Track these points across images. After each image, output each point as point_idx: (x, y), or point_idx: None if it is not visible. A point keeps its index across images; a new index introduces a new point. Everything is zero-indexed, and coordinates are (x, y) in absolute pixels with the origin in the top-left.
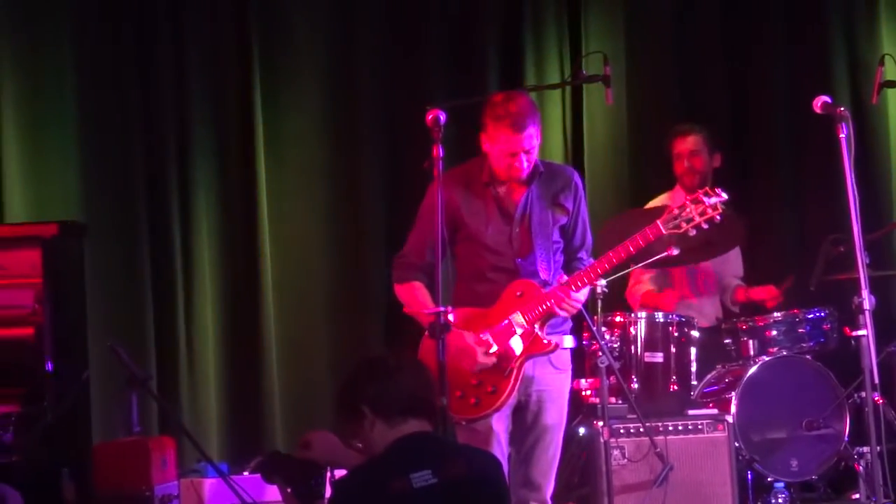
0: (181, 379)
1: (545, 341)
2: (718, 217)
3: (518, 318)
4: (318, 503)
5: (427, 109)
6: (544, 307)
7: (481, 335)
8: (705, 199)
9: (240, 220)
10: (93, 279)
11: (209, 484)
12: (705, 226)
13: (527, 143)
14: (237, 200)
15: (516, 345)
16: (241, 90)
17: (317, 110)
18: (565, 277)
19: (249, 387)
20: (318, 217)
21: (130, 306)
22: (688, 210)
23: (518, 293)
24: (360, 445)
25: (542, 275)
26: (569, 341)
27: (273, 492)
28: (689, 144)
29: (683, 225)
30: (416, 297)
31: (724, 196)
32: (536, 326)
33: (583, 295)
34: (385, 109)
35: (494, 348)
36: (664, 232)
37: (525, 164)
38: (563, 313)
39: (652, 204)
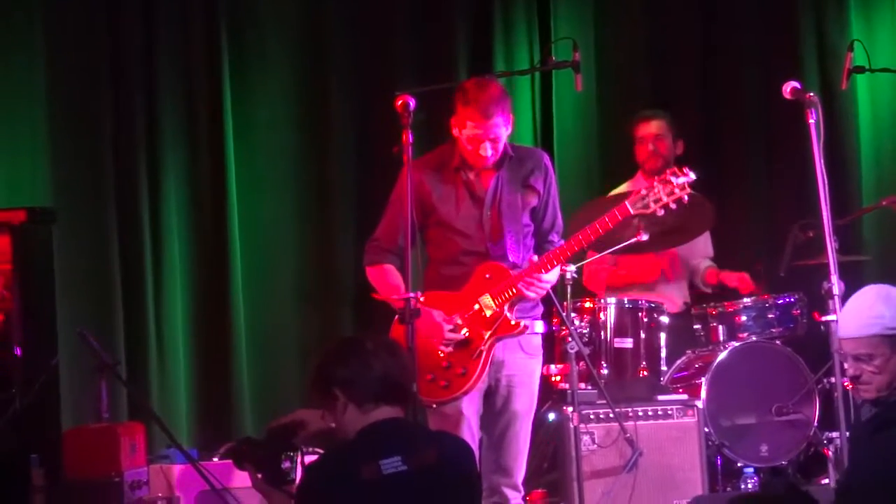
0: (150, 364)
1: (513, 322)
2: (686, 197)
3: (487, 300)
4: (288, 488)
5: (396, 95)
6: (514, 290)
7: (451, 317)
8: (673, 178)
9: (209, 207)
10: (62, 265)
11: (179, 470)
12: (673, 206)
13: (492, 131)
14: (206, 187)
15: (485, 326)
16: (210, 77)
17: (286, 97)
18: (535, 259)
19: (219, 372)
20: (288, 204)
21: (99, 292)
22: (656, 190)
23: (486, 275)
24: (333, 425)
25: (512, 258)
26: (539, 327)
27: (242, 478)
28: (653, 128)
29: (651, 205)
30: (387, 280)
31: (692, 176)
32: (505, 308)
33: (552, 277)
34: (355, 96)
35: (464, 330)
36: (632, 212)
37: (489, 153)
38: (532, 295)
39: (614, 193)
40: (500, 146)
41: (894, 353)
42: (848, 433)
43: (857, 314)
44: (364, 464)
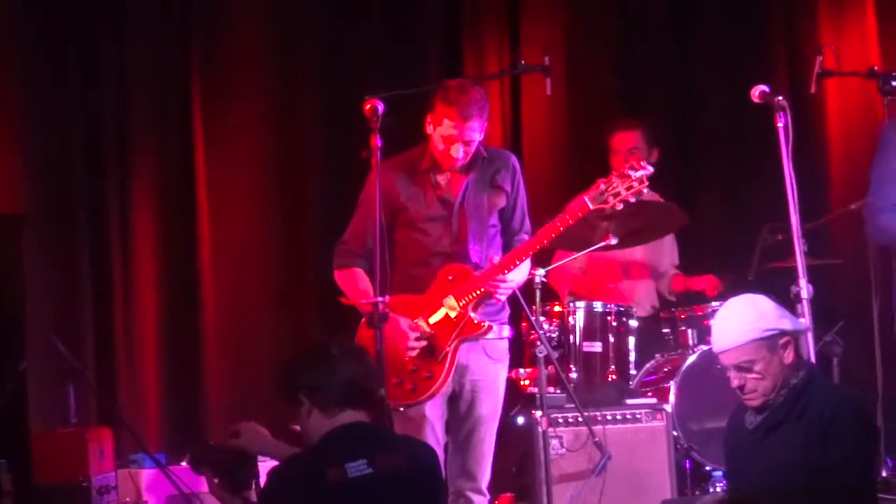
0: (119, 369)
1: (477, 322)
2: (645, 190)
3: (450, 301)
4: (246, 494)
5: (365, 99)
6: (477, 291)
7: (415, 320)
8: (631, 172)
9: (179, 211)
10: (31, 270)
11: (147, 474)
12: (632, 199)
13: (467, 133)
14: (176, 191)
15: (449, 328)
16: (182, 81)
17: (257, 101)
18: (497, 259)
19: (188, 377)
20: (258, 207)
21: (69, 297)
22: (614, 184)
23: (449, 277)
24: (298, 428)
25: (474, 258)
26: (505, 331)
27: None
28: (628, 141)
29: (610, 199)
30: (355, 284)
31: (650, 169)
32: (469, 309)
33: (517, 276)
34: (324, 100)
35: (428, 332)
36: (591, 207)
37: (460, 154)
38: (500, 297)
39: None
40: (471, 150)
41: (773, 356)
42: (726, 442)
43: (731, 325)
44: (329, 467)
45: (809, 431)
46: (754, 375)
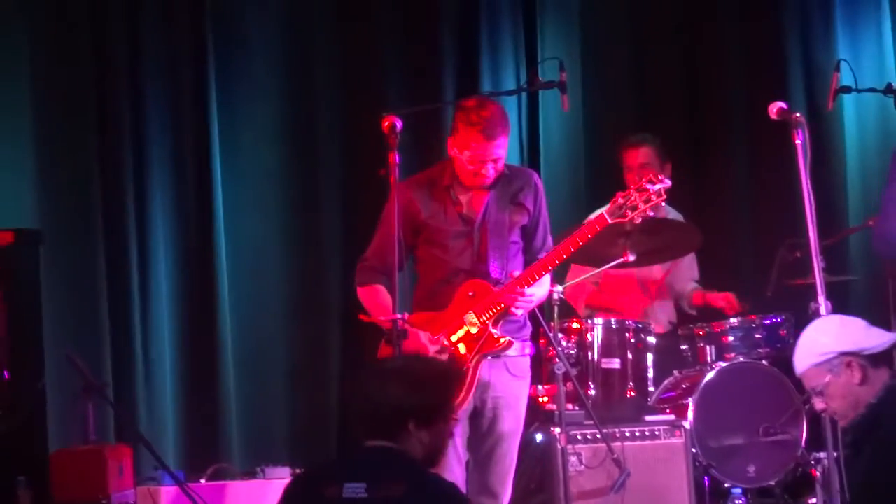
0: (137, 386)
1: (496, 337)
2: (663, 203)
3: (471, 317)
4: None
5: (383, 116)
6: (498, 306)
7: (436, 336)
8: (649, 186)
9: (196, 228)
10: (48, 287)
11: (166, 491)
12: (651, 213)
13: (496, 151)
14: (193, 208)
15: (470, 344)
16: (197, 99)
17: (273, 119)
18: (517, 274)
19: (206, 394)
20: (274, 225)
21: (86, 314)
22: (632, 198)
23: (470, 293)
24: None
25: (494, 274)
26: (527, 348)
27: (230, 499)
28: (640, 157)
29: (628, 213)
30: (377, 300)
31: (668, 182)
32: (490, 325)
33: (538, 291)
34: (341, 117)
35: (448, 345)
36: (609, 221)
37: (492, 173)
38: (518, 312)
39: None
40: (500, 166)
41: (835, 377)
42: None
43: (798, 352)
44: (330, 484)
45: (875, 449)
46: (825, 398)
